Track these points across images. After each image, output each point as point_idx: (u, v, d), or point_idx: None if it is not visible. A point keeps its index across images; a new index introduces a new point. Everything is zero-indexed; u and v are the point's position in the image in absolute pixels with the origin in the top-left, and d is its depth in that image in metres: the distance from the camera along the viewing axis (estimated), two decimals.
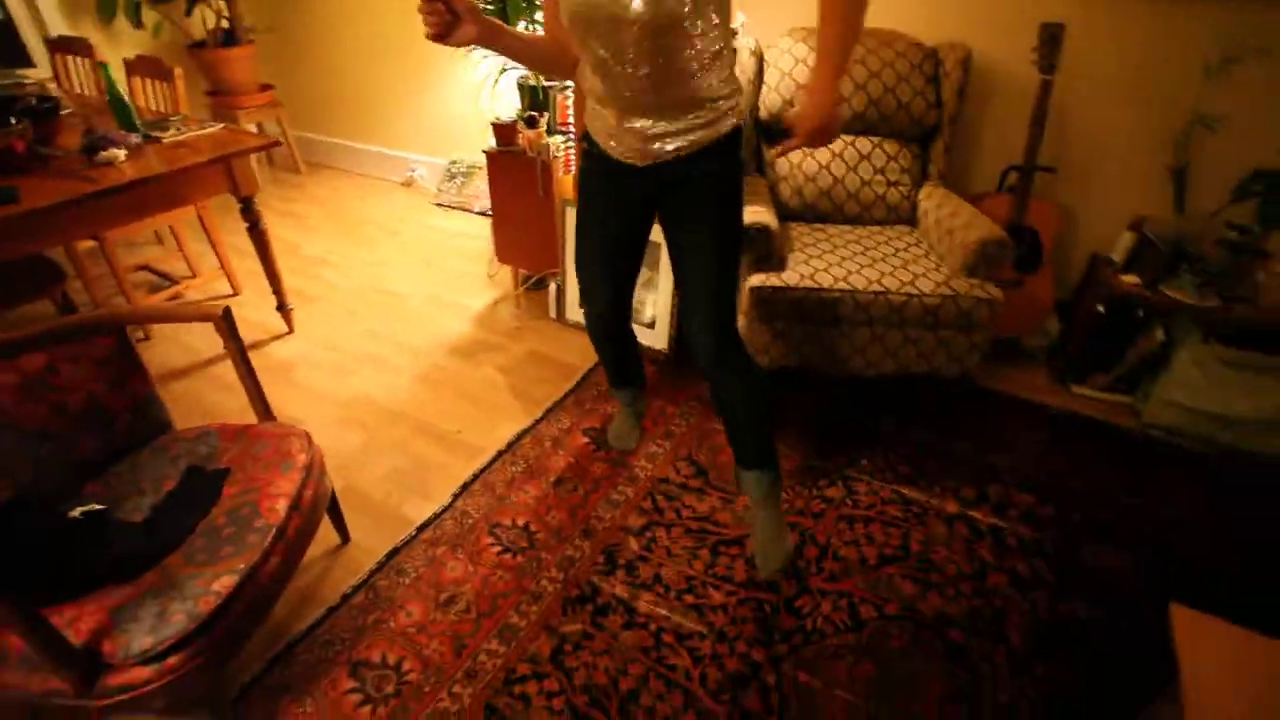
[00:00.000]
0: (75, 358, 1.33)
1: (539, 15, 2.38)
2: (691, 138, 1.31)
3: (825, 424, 2.11)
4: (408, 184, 3.82)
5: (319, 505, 1.41)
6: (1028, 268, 2.30)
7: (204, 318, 1.35)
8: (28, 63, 3.14)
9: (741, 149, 1.41)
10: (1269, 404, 1.97)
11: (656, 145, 1.32)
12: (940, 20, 2.24)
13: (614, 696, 1.38)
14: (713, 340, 1.46)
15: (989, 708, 1.39)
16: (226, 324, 1.35)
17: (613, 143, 1.37)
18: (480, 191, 3.49)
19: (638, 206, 1.48)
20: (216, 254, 2.63)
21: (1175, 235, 2.11)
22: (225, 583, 1.14)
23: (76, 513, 1.22)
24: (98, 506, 1.25)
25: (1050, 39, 2.00)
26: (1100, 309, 2.19)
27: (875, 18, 2.29)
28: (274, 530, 1.24)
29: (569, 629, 1.50)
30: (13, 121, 1.76)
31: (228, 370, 2.29)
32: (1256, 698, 1.00)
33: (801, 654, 1.47)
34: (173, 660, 1.08)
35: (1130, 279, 2.16)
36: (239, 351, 1.39)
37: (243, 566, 1.17)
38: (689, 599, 1.57)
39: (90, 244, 2.40)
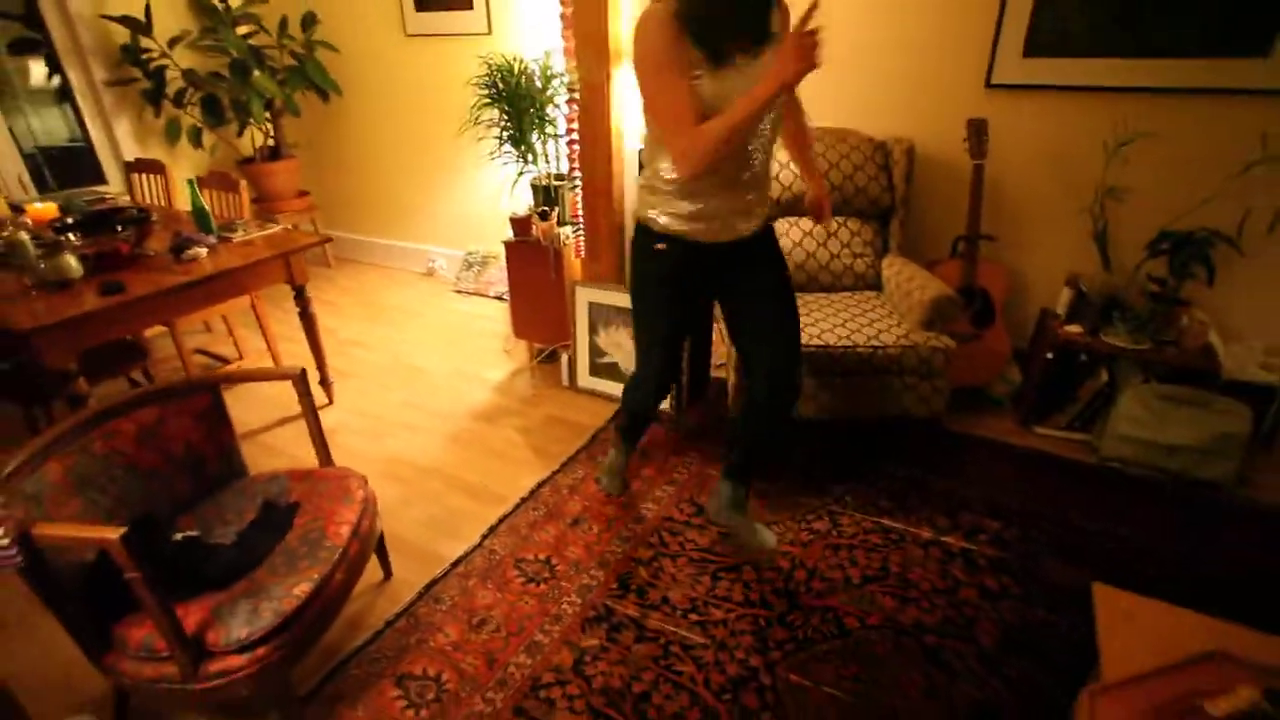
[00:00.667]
0: (179, 412, 1.61)
1: (549, 129, 2.81)
2: (763, 216, 1.72)
3: (812, 465, 2.35)
4: (429, 274, 4.22)
5: (373, 534, 1.65)
6: (984, 323, 2.60)
7: (284, 377, 1.64)
8: (103, 180, 3.62)
9: None
10: (1204, 433, 2.21)
11: (744, 224, 1.67)
12: (886, 118, 2.66)
13: (628, 698, 1.56)
14: (797, 366, 1.80)
15: (963, 701, 1.56)
16: (302, 382, 1.64)
17: (701, 225, 1.63)
18: (495, 278, 3.88)
19: (709, 283, 1.79)
20: (265, 336, 2.96)
21: (1106, 289, 2.42)
22: (303, 589, 1.37)
23: (178, 537, 1.47)
24: (194, 533, 1.50)
25: (977, 131, 2.39)
26: (1049, 356, 2.48)
27: (831, 118, 2.74)
28: (340, 550, 1.48)
29: (587, 644, 1.70)
30: (119, 229, 2.13)
31: (283, 433, 2.58)
32: (1159, 649, 1.21)
33: (793, 659, 1.66)
34: (261, 650, 1.30)
35: (1073, 329, 2.46)
36: (309, 404, 1.67)
37: (316, 576, 1.41)
38: (693, 617, 1.77)
39: (160, 329, 2.73)
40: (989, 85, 2.49)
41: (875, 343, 2.17)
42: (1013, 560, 1.95)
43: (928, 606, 1.80)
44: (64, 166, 3.58)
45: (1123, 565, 1.92)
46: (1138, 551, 1.97)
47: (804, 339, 2.17)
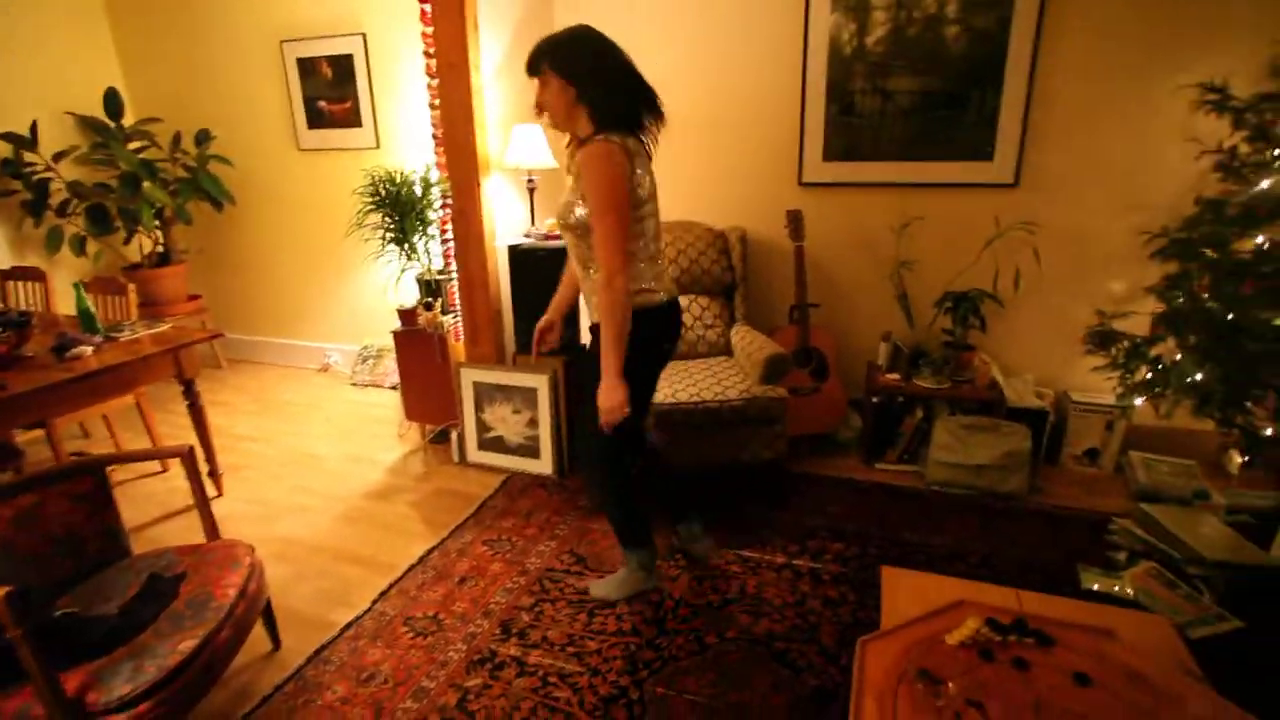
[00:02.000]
0: (60, 494, 1.69)
1: (431, 229, 3.12)
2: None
3: (676, 510, 2.61)
4: (324, 369, 4.32)
5: (260, 596, 1.75)
6: (822, 378, 3.03)
7: (171, 454, 1.76)
8: None
9: None
10: (997, 451, 2.67)
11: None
12: (722, 212, 3.16)
13: None
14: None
15: (806, 690, 1.80)
16: (189, 458, 1.77)
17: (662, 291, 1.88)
18: (390, 369, 4.04)
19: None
20: (150, 435, 2.97)
21: (912, 341, 2.92)
22: (187, 644, 1.47)
23: (57, 614, 1.53)
24: (73, 610, 1.56)
25: (794, 220, 2.91)
26: (875, 400, 2.92)
27: (676, 213, 3.21)
28: (226, 608, 1.59)
29: (471, 683, 1.83)
30: None
31: (169, 527, 2.58)
32: (923, 607, 1.51)
33: (659, 675, 1.85)
34: (144, 707, 1.37)
35: (891, 376, 2.92)
36: (196, 481, 1.79)
37: (202, 634, 1.50)
38: (570, 650, 1.95)
39: (35, 435, 2.71)
40: (801, 183, 3.05)
41: (722, 397, 2.51)
42: (850, 573, 2.25)
43: (778, 619, 2.06)
44: None
45: (939, 565, 2.27)
46: (951, 554, 2.34)
47: (658, 398, 2.50)
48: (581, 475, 2.13)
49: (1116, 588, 2.05)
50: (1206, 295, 2.10)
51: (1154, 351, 2.23)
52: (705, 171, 3.19)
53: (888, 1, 2.74)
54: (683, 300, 2.96)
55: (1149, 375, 2.24)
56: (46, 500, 1.67)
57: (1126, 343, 2.30)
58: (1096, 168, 2.67)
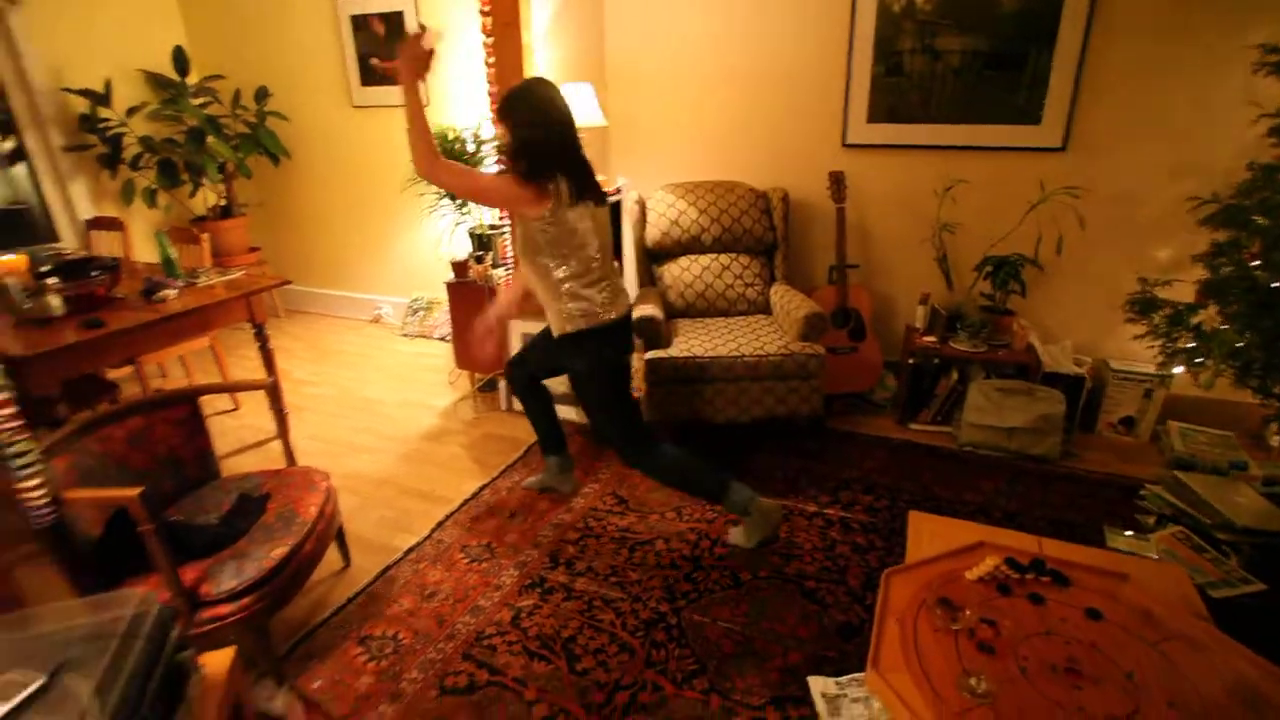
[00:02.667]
0: (163, 420, 1.89)
1: None
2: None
3: (716, 461, 2.74)
4: (375, 321, 4.52)
5: (335, 518, 1.94)
6: (859, 338, 3.09)
7: (257, 386, 1.94)
8: (54, 238, 3.83)
9: None
10: (1031, 415, 2.72)
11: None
12: (765, 173, 3.21)
13: (558, 640, 1.87)
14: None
15: (832, 624, 1.93)
16: (273, 390, 1.95)
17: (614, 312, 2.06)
18: (439, 321, 4.21)
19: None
20: (222, 374, 3.20)
21: (950, 305, 2.96)
22: (280, 551, 1.66)
23: (169, 520, 1.73)
24: (180, 517, 1.77)
25: (836, 181, 2.94)
26: (911, 361, 2.98)
27: (718, 173, 3.26)
28: (309, 524, 1.77)
29: (524, 604, 2.01)
30: (95, 274, 2.39)
31: (245, 459, 2.81)
32: (946, 547, 1.61)
33: (695, 605, 2.00)
34: (246, 600, 1.57)
35: (928, 339, 2.97)
36: (279, 410, 1.97)
37: (291, 543, 1.69)
38: (613, 579, 2.11)
39: (124, 373, 2.95)
40: (844, 144, 3.07)
41: (760, 352, 2.61)
42: (879, 523, 2.36)
43: (809, 561, 2.18)
44: (4, 227, 3.78)
45: (966, 519, 2.36)
46: (978, 509, 2.42)
47: (701, 351, 2.60)
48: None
49: (1141, 548, 2.11)
50: (1256, 263, 2.10)
51: (1196, 319, 2.24)
52: (748, 132, 3.22)
53: None
54: (725, 259, 3.05)
55: (1191, 344, 2.25)
56: (153, 424, 1.87)
57: (1169, 310, 2.31)
58: (1149, 131, 2.63)
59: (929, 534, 1.70)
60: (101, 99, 3.79)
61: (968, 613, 1.32)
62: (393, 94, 3.91)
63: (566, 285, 1.98)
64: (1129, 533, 2.21)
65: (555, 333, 2.07)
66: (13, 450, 1.28)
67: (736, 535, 2.27)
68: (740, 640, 1.87)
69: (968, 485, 2.59)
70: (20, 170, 3.79)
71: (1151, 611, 1.35)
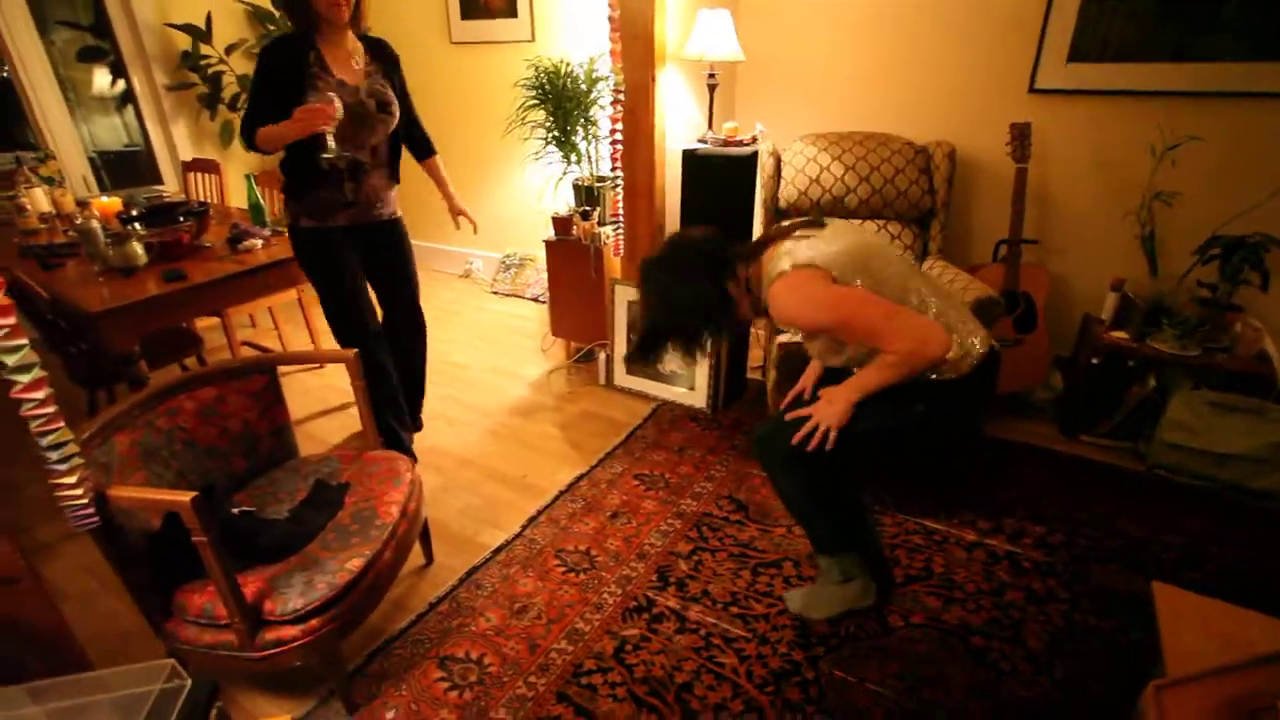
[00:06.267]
0: (237, 391, 1.66)
1: (593, 130, 2.86)
2: None
3: (853, 466, 2.33)
4: (466, 275, 4.29)
5: (419, 517, 1.68)
6: (1026, 328, 2.57)
7: (339, 359, 1.69)
8: (159, 180, 3.76)
9: None
10: (1259, 442, 2.15)
11: None
12: (927, 124, 2.66)
13: (671, 687, 1.56)
14: None
15: (1011, 700, 1.53)
16: (356, 364, 1.68)
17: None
18: (531, 280, 3.93)
19: None
20: (309, 329, 3.03)
21: (1152, 294, 2.38)
22: (355, 564, 1.40)
23: (235, 511, 1.51)
24: (249, 508, 1.54)
25: (1020, 135, 2.38)
26: (1094, 361, 2.44)
27: (869, 123, 2.75)
28: (390, 528, 1.51)
29: (629, 633, 1.70)
30: (181, 220, 2.21)
31: (325, 424, 2.64)
32: (1224, 648, 1.18)
33: (837, 655, 1.64)
34: (315, 622, 1.32)
35: (1119, 334, 2.41)
36: (360, 387, 1.72)
37: (368, 553, 1.43)
38: (734, 609, 1.77)
39: (210, 322, 2.82)
40: (1032, 90, 2.48)
41: None
42: (1058, 565, 1.91)
43: (973, 608, 1.77)
44: (119, 169, 3.75)
45: (1173, 572, 1.87)
46: (1188, 558, 1.92)
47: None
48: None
49: None
50: None
51: None
52: (906, 73, 2.67)
53: None
54: (871, 227, 2.58)
55: None
56: (225, 394, 1.65)
57: None
58: None
59: (1189, 620, 1.25)
60: (202, 35, 3.63)
61: None
62: (494, 28, 3.56)
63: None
64: None
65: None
66: (48, 442, 1.04)
67: (801, 599, 1.76)
68: (895, 713, 1.50)
69: (1166, 523, 2.08)
70: (130, 113, 3.74)
71: None
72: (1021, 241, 2.48)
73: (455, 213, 2.42)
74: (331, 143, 1.83)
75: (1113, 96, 2.39)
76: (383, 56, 2.05)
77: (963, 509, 2.13)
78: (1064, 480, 2.28)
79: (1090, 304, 2.60)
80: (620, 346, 2.81)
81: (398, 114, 2.04)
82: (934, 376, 1.52)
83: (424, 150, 2.30)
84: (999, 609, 1.77)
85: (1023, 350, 2.56)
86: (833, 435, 1.50)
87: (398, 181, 2.21)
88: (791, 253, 1.49)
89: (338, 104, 1.79)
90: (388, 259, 2.23)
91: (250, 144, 1.87)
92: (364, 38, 2.00)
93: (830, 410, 1.50)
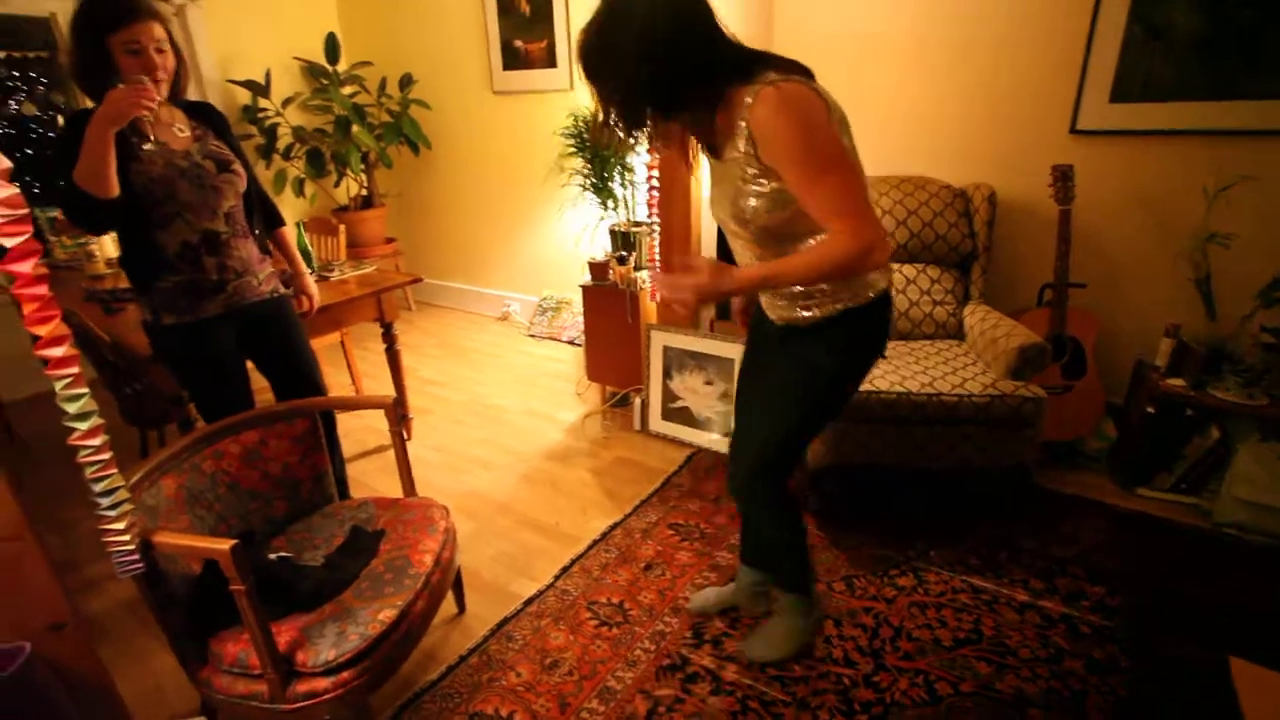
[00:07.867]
0: (279, 435, 1.69)
1: (629, 176, 2.91)
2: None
3: (894, 517, 2.25)
4: (503, 318, 4.36)
5: (453, 565, 1.67)
6: (1075, 374, 2.47)
7: (377, 405, 1.71)
8: None
9: None
10: None
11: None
12: (965, 167, 2.63)
13: None
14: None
15: None
16: (393, 410, 1.70)
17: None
18: (568, 323, 3.96)
19: None
20: (351, 372, 3.10)
21: (1211, 339, 2.28)
22: (387, 615, 1.39)
23: (273, 557, 1.53)
24: (287, 554, 1.55)
25: (1062, 177, 2.34)
26: (1150, 410, 2.33)
27: (907, 167, 2.73)
28: (423, 577, 1.50)
29: (662, 693, 1.65)
30: None
31: (365, 465, 2.67)
32: None
33: None
34: (346, 674, 1.31)
35: (1176, 382, 2.31)
36: (398, 433, 1.73)
37: (400, 603, 1.42)
38: (771, 670, 1.70)
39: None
40: (1074, 130, 2.44)
41: (961, 391, 2.09)
42: (1120, 630, 1.79)
43: (1028, 675, 1.67)
44: None
45: (1252, 643, 1.74)
46: (1269, 627, 1.79)
47: (885, 386, 2.12)
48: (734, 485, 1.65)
49: None
50: None
51: None
52: (943, 115, 2.66)
53: None
54: (909, 271, 2.54)
55: None
56: (268, 438, 1.68)
57: None
58: None
59: (1273, 702, 1.15)
60: (262, 90, 3.84)
61: None
62: (534, 78, 3.68)
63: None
64: None
65: (805, 322, 1.42)
66: (100, 488, 1.07)
67: (761, 646, 1.73)
68: None
69: (1236, 586, 1.94)
70: None
71: None
72: (1069, 285, 2.41)
73: (299, 291, 2.15)
74: (152, 135, 1.61)
75: (1157, 136, 2.33)
76: (208, 120, 1.82)
77: (1013, 566, 2.03)
78: (1121, 537, 2.16)
79: (1142, 348, 2.50)
80: (656, 392, 2.79)
81: (243, 173, 1.81)
82: (837, 306, 1.36)
83: (271, 221, 2.04)
84: (1058, 678, 1.66)
85: (1072, 397, 2.47)
86: (691, 302, 1.28)
87: (269, 254, 1.98)
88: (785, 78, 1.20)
89: (152, 88, 1.48)
90: (277, 339, 1.95)
91: (70, 205, 1.53)
92: (182, 103, 1.77)
93: (708, 281, 1.25)
